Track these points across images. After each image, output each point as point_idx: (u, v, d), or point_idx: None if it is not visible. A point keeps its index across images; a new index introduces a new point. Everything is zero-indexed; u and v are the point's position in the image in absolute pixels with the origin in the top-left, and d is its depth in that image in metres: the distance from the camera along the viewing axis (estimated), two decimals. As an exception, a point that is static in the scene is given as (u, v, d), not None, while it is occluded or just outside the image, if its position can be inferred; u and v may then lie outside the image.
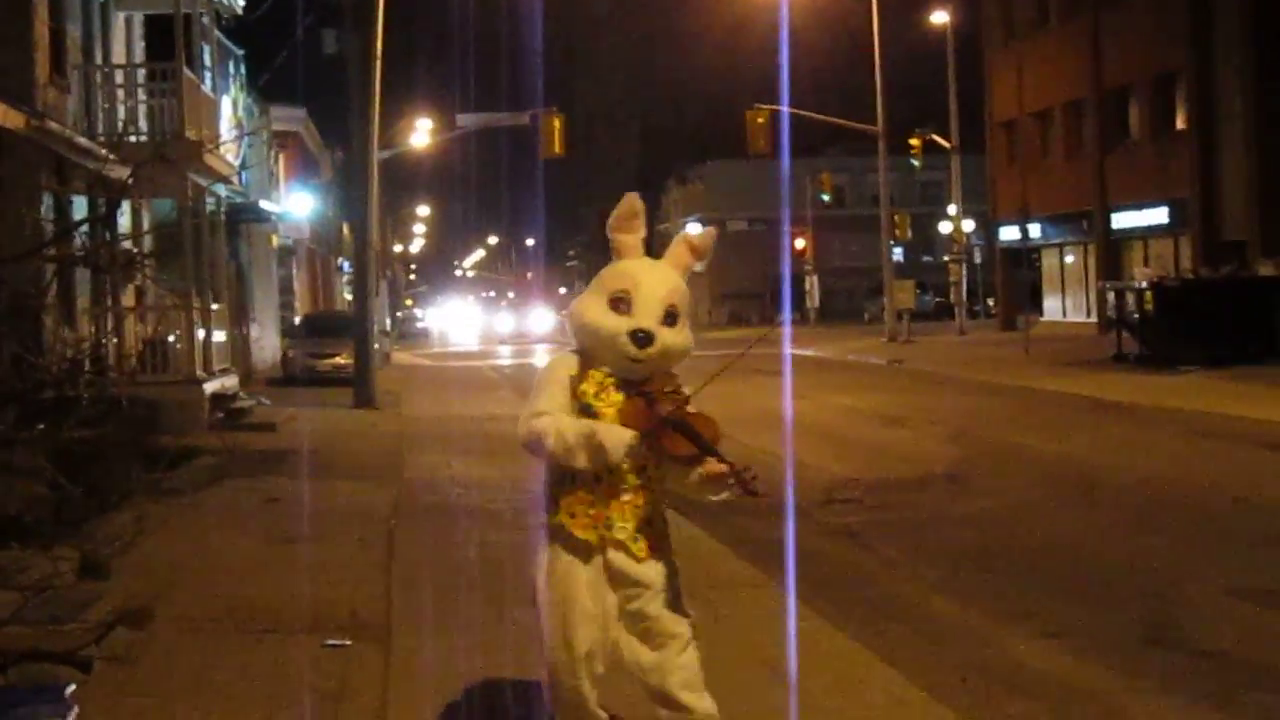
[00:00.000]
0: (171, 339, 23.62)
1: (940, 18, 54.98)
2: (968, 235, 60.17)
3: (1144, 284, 34.53)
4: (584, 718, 6.07)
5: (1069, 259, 55.45)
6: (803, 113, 48.64)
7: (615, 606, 5.93)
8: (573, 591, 5.90)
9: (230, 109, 33.88)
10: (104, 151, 21.78)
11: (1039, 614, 9.89)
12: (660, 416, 5.76)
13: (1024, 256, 48.98)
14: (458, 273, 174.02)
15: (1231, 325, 31.36)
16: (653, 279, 5.99)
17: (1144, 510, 14.34)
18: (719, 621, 8.58)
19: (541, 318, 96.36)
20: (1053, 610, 10.00)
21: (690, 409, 5.85)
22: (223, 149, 27.62)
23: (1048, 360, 35.67)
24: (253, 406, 26.42)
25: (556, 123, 42.35)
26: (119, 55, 26.51)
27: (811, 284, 76.22)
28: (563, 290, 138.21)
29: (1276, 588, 10.45)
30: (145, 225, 25.97)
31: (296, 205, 48.60)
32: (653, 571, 5.94)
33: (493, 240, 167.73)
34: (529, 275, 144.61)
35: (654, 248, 6.16)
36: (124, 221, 24.35)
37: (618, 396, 5.90)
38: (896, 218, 56.83)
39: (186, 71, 24.36)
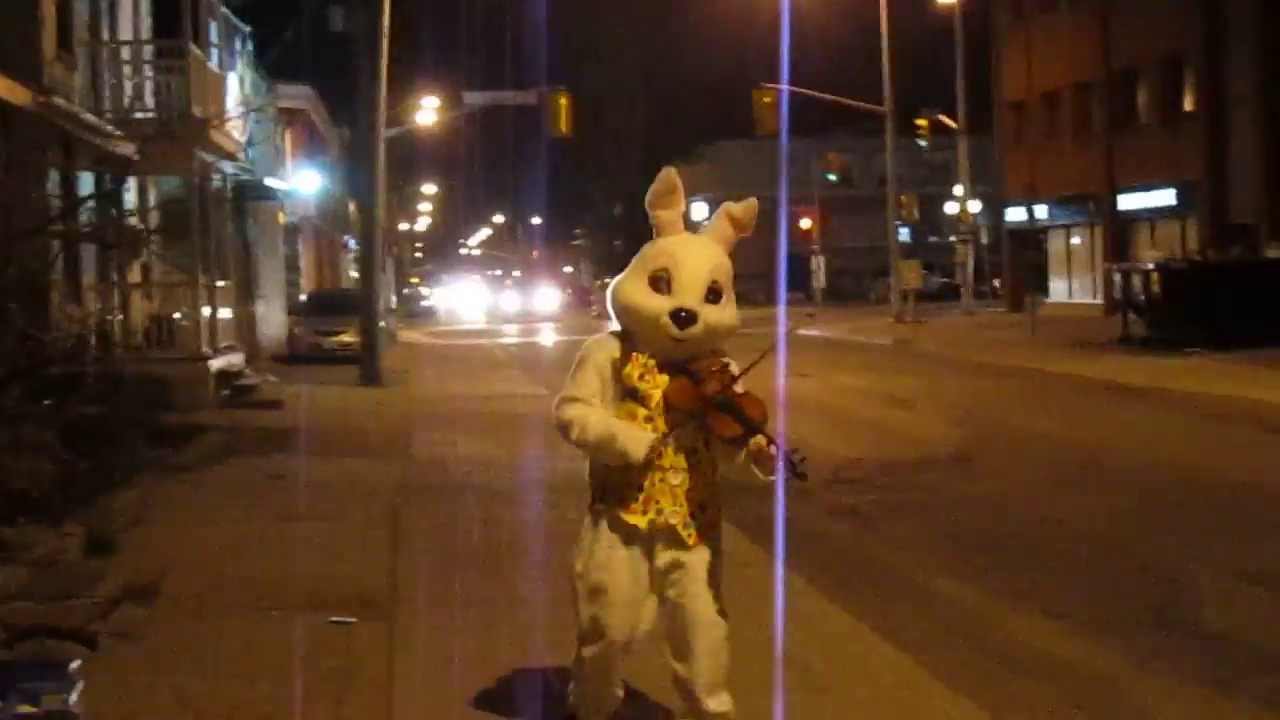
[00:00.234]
0: (177, 316, 23.64)
1: (949, -2, 54.85)
2: (974, 216, 60.10)
3: (1151, 266, 34.50)
4: (607, 699, 6.09)
5: (1076, 240, 55.34)
6: (809, 92, 48.51)
7: (657, 591, 5.88)
8: (615, 577, 5.82)
9: (237, 86, 33.82)
10: (110, 128, 21.77)
11: (1044, 595, 9.88)
12: (706, 397, 5.67)
13: (1031, 238, 48.89)
14: (464, 251, 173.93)
15: (1238, 308, 31.23)
16: (694, 256, 5.86)
17: (1150, 493, 14.32)
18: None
19: (547, 296, 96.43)
20: (1058, 591, 10.00)
21: (738, 389, 5.75)
22: (229, 126, 27.60)
23: (1054, 342, 35.64)
24: (259, 384, 26.43)
25: (563, 101, 42.27)
26: (126, 31, 26.47)
27: (818, 264, 76.10)
28: (568, 269, 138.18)
29: (1282, 571, 10.44)
30: (152, 202, 25.98)
31: (303, 183, 48.55)
32: (699, 559, 5.87)
33: (499, 219, 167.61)
34: (535, 254, 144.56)
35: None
36: (130, 198, 24.37)
37: (663, 378, 5.79)
38: (903, 198, 56.77)
39: (193, 48, 24.34)
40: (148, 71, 24.82)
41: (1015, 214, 58.12)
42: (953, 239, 61.71)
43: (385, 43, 29.44)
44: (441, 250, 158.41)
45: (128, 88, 24.43)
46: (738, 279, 6.12)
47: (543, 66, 62.50)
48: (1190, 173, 44.56)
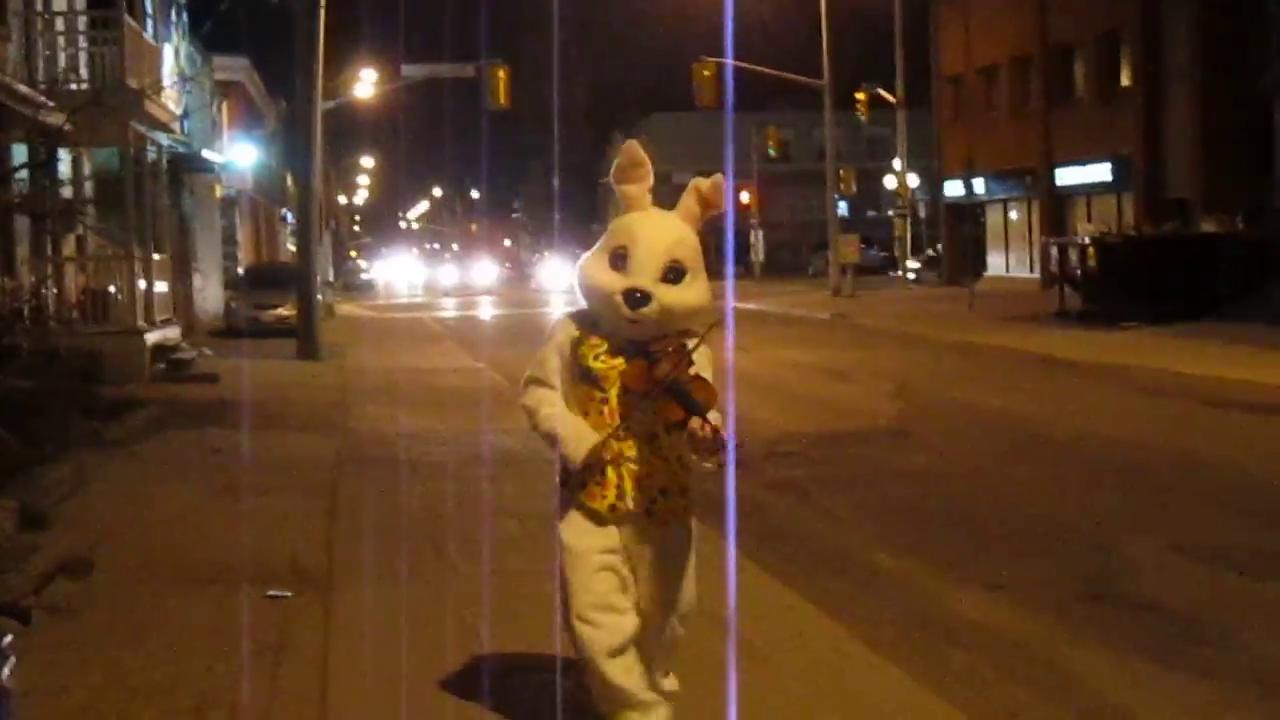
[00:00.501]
0: (112, 289, 23.41)
1: (888, -28, 54.93)
2: (913, 191, 60.30)
3: (1087, 240, 34.72)
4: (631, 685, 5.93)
5: (1013, 215, 55.65)
6: (748, 66, 48.47)
7: (628, 576, 5.73)
8: (584, 562, 5.66)
9: (173, 57, 33.52)
10: (44, 99, 21.53)
11: (981, 567, 9.93)
12: (656, 379, 5.46)
13: (969, 212, 49.13)
14: (402, 225, 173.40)
15: (1174, 282, 31.46)
16: (653, 233, 5.63)
17: (1087, 466, 14.42)
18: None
19: (486, 270, 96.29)
20: (994, 564, 10.04)
21: (693, 371, 5.50)
22: (165, 98, 27.36)
23: (991, 315, 35.85)
24: (195, 358, 26.25)
25: (501, 74, 42.17)
26: (60, 2, 26.18)
27: (756, 238, 76.26)
28: (507, 243, 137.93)
29: (1217, 543, 10.52)
30: (86, 173, 25.73)
31: (240, 155, 48.24)
32: (657, 544, 5.75)
33: (437, 192, 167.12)
34: (474, 228, 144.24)
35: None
36: (64, 170, 24.13)
37: (618, 360, 5.63)
38: (842, 172, 56.86)
39: (128, 19, 24.12)
40: (82, 42, 24.57)
41: (953, 188, 58.40)
42: (891, 213, 61.95)
43: (322, 14, 29.25)
44: (380, 224, 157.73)
45: (62, 58, 24.16)
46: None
47: (482, 39, 62.29)
48: (1126, 148, 44.87)
